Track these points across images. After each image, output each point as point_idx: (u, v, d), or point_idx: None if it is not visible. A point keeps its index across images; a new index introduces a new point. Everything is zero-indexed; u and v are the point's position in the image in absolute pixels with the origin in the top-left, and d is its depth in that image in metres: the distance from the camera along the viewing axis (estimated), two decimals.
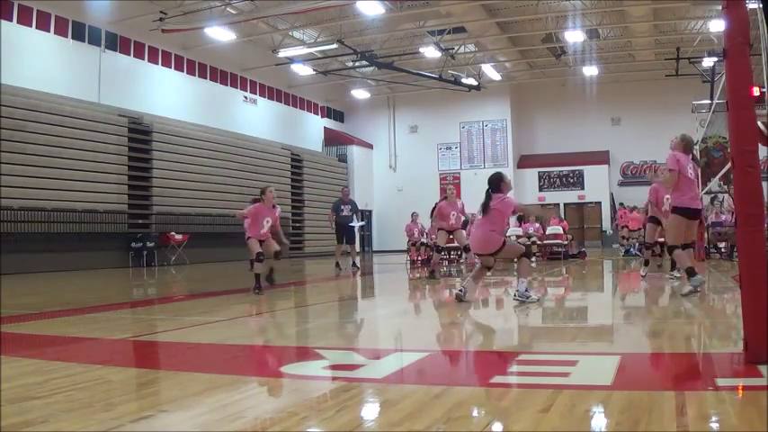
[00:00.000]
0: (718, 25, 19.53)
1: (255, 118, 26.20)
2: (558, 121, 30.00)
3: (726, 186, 14.35)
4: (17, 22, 16.86)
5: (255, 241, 8.39)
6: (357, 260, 15.44)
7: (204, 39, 21.38)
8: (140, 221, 19.28)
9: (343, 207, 13.89)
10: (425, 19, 22.09)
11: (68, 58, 18.31)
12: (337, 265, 13.63)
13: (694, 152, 7.61)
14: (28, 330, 5.48)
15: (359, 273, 13.51)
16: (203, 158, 21.50)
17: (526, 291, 6.46)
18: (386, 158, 32.23)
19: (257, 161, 24.14)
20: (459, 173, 31.04)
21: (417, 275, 12.34)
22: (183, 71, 22.61)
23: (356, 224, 14.13)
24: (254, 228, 8.42)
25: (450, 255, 17.82)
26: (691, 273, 6.66)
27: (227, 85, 24.83)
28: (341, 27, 21.97)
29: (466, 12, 21.35)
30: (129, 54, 20.37)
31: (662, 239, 9.54)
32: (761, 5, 3.35)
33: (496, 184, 6.77)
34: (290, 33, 23.46)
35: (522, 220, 19.17)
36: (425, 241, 16.81)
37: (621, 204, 21.87)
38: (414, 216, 17.05)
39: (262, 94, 26.93)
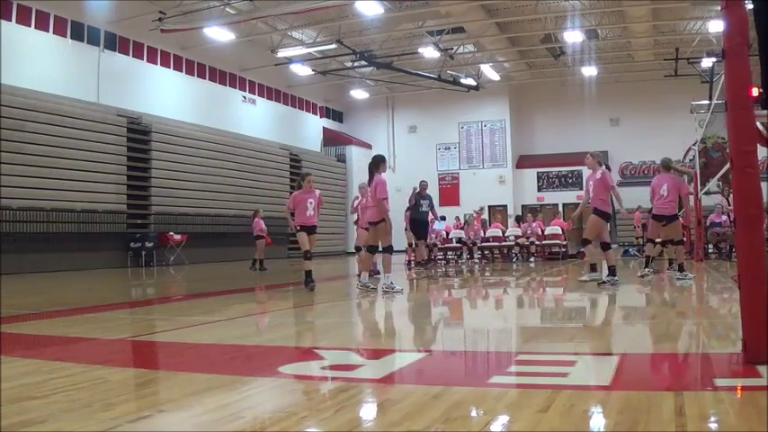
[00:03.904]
0: (717, 26, 19.55)
1: (254, 118, 26.20)
2: (556, 121, 29.99)
3: (724, 186, 14.34)
4: (16, 22, 16.85)
5: (305, 235, 8.56)
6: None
7: (203, 39, 21.36)
8: (139, 221, 19.28)
9: (422, 202, 13.11)
10: (424, 19, 22.09)
11: (67, 58, 18.29)
12: (420, 264, 13.13)
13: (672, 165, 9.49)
14: (27, 330, 5.48)
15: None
16: (202, 158, 21.50)
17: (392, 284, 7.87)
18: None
19: (256, 161, 24.15)
20: (458, 173, 31.05)
21: (415, 276, 12.34)
22: (181, 71, 22.60)
23: (439, 225, 13.37)
24: (300, 214, 8.60)
25: (447, 254, 17.85)
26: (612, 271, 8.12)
27: (225, 85, 24.83)
28: (340, 27, 21.97)
29: (465, 12, 21.35)
30: (127, 54, 20.36)
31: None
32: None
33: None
34: (289, 33, 23.46)
35: (520, 219, 19.21)
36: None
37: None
38: None
39: (261, 94, 26.93)
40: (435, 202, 15.81)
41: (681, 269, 8.73)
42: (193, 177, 21.11)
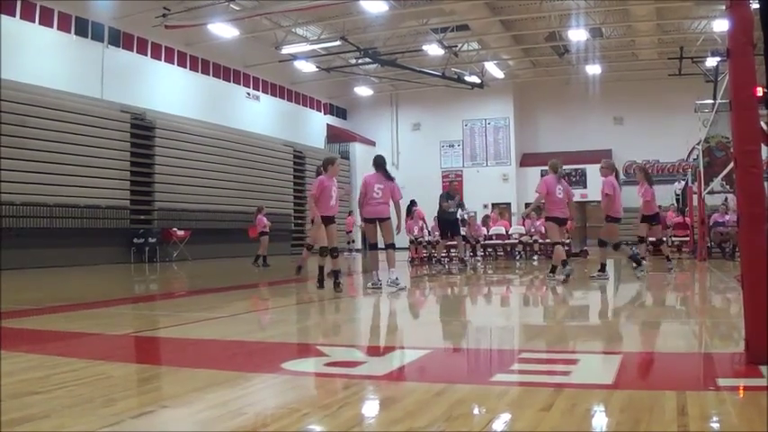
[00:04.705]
0: (721, 25, 19.48)
1: (258, 115, 26.20)
2: (560, 119, 29.93)
3: (728, 186, 14.31)
4: (20, 18, 16.87)
5: (322, 228, 8.02)
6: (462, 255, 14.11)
7: (207, 35, 21.36)
8: (142, 217, 19.32)
9: (450, 202, 13.07)
10: (429, 17, 22.07)
11: (71, 54, 18.31)
12: (439, 261, 13.14)
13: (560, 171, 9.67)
14: (29, 326, 5.48)
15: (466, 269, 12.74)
16: (206, 155, 21.51)
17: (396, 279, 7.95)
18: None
19: (260, 158, 24.16)
20: (461, 171, 31.03)
21: (418, 273, 12.34)
22: (185, 67, 22.60)
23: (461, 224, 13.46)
24: (324, 203, 7.93)
25: (449, 252, 17.81)
26: (564, 264, 8.72)
27: (229, 81, 24.82)
28: (344, 24, 21.95)
29: (469, 9, 21.33)
30: (132, 50, 20.37)
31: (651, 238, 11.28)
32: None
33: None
34: (294, 30, 23.44)
35: (524, 217, 19.15)
36: (419, 238, 16.80)
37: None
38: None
39: (264, 91, 26.92)
40: (437, 197, 15.87)
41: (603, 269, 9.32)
42: (197, 173, 21.13)
